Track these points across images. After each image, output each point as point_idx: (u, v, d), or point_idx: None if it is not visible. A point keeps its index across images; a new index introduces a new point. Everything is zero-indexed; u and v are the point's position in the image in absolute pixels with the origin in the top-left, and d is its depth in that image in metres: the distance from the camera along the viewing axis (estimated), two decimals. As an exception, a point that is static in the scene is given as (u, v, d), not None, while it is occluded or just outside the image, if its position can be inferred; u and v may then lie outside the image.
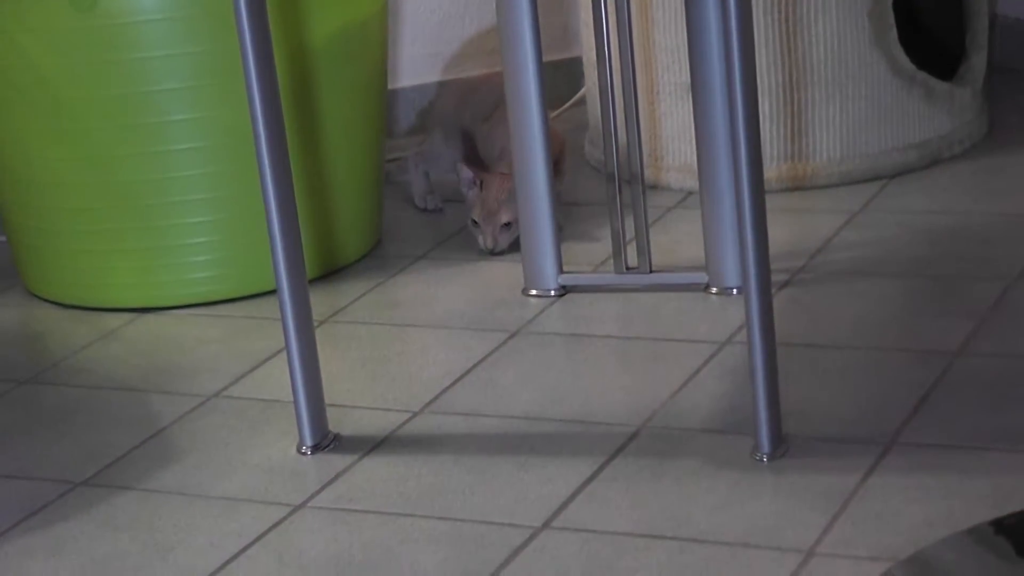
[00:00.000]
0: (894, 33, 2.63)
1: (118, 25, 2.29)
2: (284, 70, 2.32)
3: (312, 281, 2.40)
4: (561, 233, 2.46)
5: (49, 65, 2.32)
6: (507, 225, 2.47)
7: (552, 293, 2.34)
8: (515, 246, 2.45)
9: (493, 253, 2.48)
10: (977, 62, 2.76)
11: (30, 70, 2.33)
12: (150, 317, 2.41)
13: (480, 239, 2.49)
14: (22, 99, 2.36)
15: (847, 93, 2.62)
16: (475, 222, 2.49)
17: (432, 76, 3.10)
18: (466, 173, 2.51)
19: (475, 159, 2.64)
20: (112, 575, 1.75)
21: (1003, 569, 1.60)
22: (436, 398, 2.07)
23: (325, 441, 1.97)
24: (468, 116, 2.68)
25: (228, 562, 1.75)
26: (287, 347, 1.93)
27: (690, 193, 2.65)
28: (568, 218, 2.57)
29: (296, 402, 1.95)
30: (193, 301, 2.42)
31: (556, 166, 2.42)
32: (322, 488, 1.88)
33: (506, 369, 2.13)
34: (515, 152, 2.32)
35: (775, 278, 2.22)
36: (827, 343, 2.10)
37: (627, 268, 2.33)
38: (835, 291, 2.26)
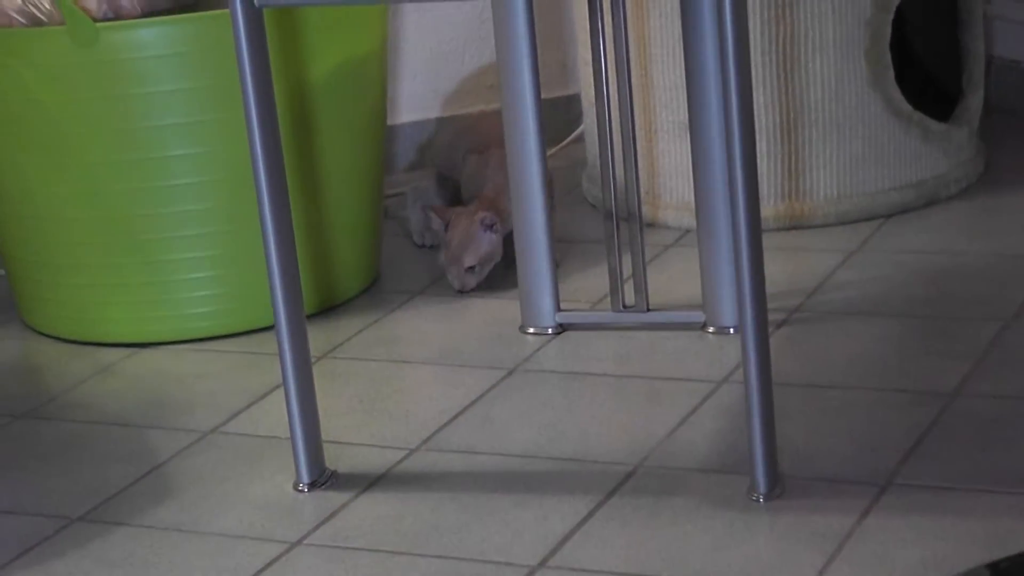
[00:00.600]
0: (891, 73, 2.64)
1: (119, 60, 2.30)
2: (284, 106, 2.32)
3: (309, 317, 2.40)
4: (557, 269, 2.46)
5: (50, 99, 2.33)
6: (471, 269, 2.49)
7: (549, 331, 2.35)
8: (512, 282, 2.45)
9: (463, 293, 2.50)
10: (973, 103, 2.77)
11: (31, 104, 2.34)
12: (148, 352, 2.41)
13: (449, 279, 2.51)
14: (23, 133, 2.37)
15: (844, 133, 2.63)
16: (446, 262, 2.52)
17: (431, 112, 3.11)
18: (435, 222, 2.53)
19: (458, 198, 2.65)
20: (108, 611, 1.75)
21: (999, 611, 1.60)
22: (433, 435, 2.07)
23: (322, 478, 1.97)
24: (461, 153, 2.69)
25: (224, 599, 1.75)
26: (284, 383, 1.93)
27: (687, 231, 2.66)
28: (565, 255, 2.58)
29: (293, 438, 1.95)
30: (191, 336, 2.43)
31: None
32: (318, 525, 1.88)
33: (503, 407, 2.13)
34: (513, 189, 2.32)
35: (772, 317, 2.23)
36: (824, 383, 2.11)
37: (624, 306, 2.34)
38: (832, 331, 2.26)
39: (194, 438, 2.12)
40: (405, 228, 2.76)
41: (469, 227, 2.48)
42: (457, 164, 2.68)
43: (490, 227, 2.49)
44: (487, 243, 2.49)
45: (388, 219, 2.80)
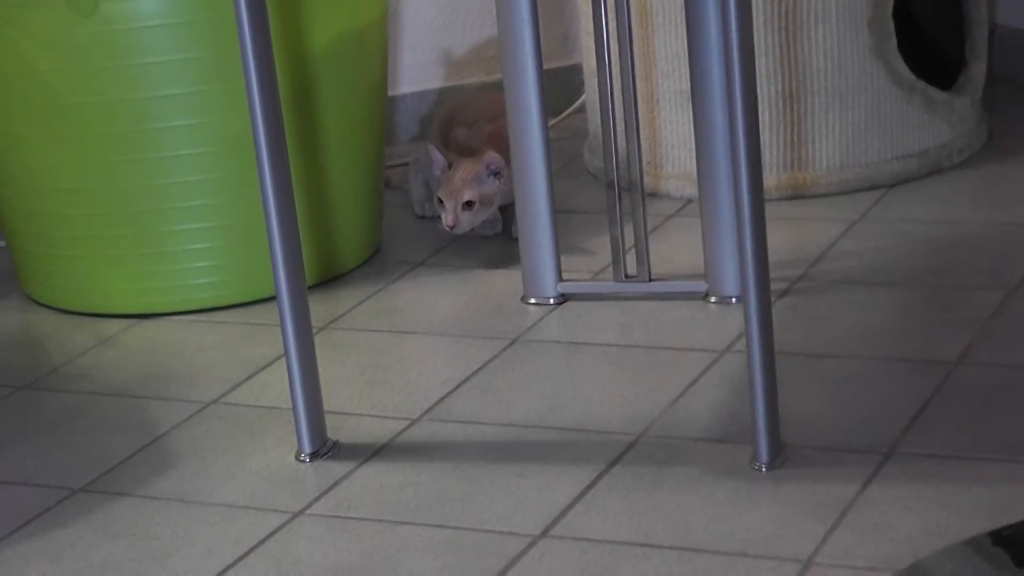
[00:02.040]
0: (894, 42, 2.63)
1: (118, 31, 2.29)
2: (284, 76, 2.32)
3: (311, 288, 2.40)
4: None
5: (49, 70, 2.32)
6: (469, 204, 2.44)
7: (551, 301, 2.34)
8: (515, 259, 2.44)
9: (455, 232, 2.45)
10: (976, 72, 2.76)
11: (30, 75, 2.33)
12: (148, 323, 2.41)
13: (443, 217, 2.46)
14: (22, 104, 2.36)
15: (847, 102, 2.62)
16: (440, 200, 2.47)
17: (432, 83, 3.10)
18: (437, 156, 2.49)
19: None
20: (110, 582, 1.75)
21: (1001, 579, 1.60)
22: (435, 406, 2.07)
23: (324, 448, 1.97)
24: (450, 128, 2.69)
25: (226, 570, 1.75)
26: (286, 354, 1.93)
27: (689, 201, 2.65)
28: (566, 226, 2.56)
29: (295, 409, 1.95)
30: (191, 307, 2.42)
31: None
32: (320, 496, 1.88)
33: (505, 377, 2.13)
34: (514, 160, 2.32)
35: (774, 287, 2.22)
36: (826, 352, 2.10)
37: (626, 276, 2.33)
38: (834, 300, 2.26)
39: (195, 409, 2.12)
40: (408, 199, 2.75)
41: (475, 167, 2.46)
42: (449, 141, 2.67)
43: (496, 173, 2.46)
44: (490, 185, 2.46)
45: (391, 190, 2.79)
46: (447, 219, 2.45)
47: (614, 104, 2.28)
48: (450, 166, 2.49)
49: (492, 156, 2.46)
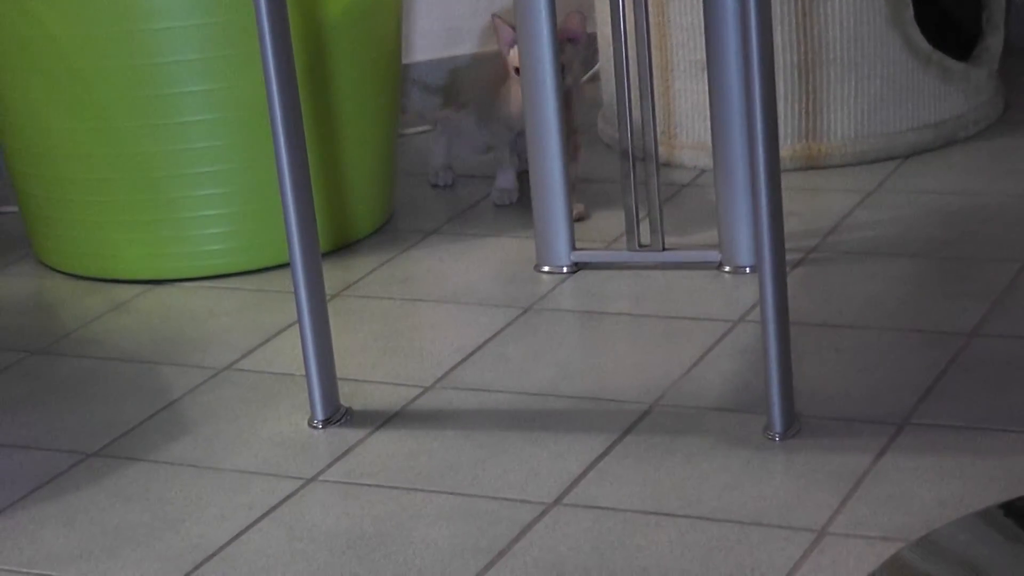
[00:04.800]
0: (910, 12, 2.62)
1: (133, -4, 2.28)
2: (298, 43, 2.31)
3: (324, 255, 2.39)
4: (584, 220, 2.46)
5: (64, 35, 2.32)
6: (572, 41, 2.37)
7: (564, 270, 2.34)
8: (528, 222, 2.44)
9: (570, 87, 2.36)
10: (993, 43, 2.75)
11: (45, 40, 2.33)
12: (162, 289, 2.41)
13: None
14: (36, 69, 2.36)
15: (862, 72, 2.61)
16: (518, 71, 2.38)
17: (446, 51, 3.09)
18: (504, 30, 2.43)
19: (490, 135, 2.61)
20: (123, 546, 1.75)
21: (1014, 551, 1.59)
22: (448, 373, 2.07)
23: (336, 415, 1.97)
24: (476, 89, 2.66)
25: (239, 535, 1.75)
26: (300, 321, 1.93)
27: (703, 171, 2.65)
28: (584, 198, 2.55)
29: (308, 376, 1.95)
30: (205, 274, 2.42)
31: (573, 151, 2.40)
32: (333, 462, 1.88)
33: (518, 345, 2.12)
34: (529, 129, 2.31)
35: (788, 257, 2.21)
36: (840, 323, 2.10)
37: (640, 245, 2.33)
38: (849, 271, 2.25)
39: (208, 375, 2.12)
40: (428, 159, 2.72)
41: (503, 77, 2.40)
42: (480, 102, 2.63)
43: (572, 39, 2.39)
44: (569, 52, 2.39)
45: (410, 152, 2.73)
46: (570, 74, 2.38)
47: (629, 73, 2.27)
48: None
49: (568, 25, 2.39)
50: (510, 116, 2.51)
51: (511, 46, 2.45)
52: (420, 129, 2.95)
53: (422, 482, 1.82)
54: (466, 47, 3.08)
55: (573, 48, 2.42)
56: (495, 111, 2.56)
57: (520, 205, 2.57)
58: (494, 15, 2.47)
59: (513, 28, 2.41)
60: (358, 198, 2.50)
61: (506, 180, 2.58)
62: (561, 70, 2.35)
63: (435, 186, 2.70)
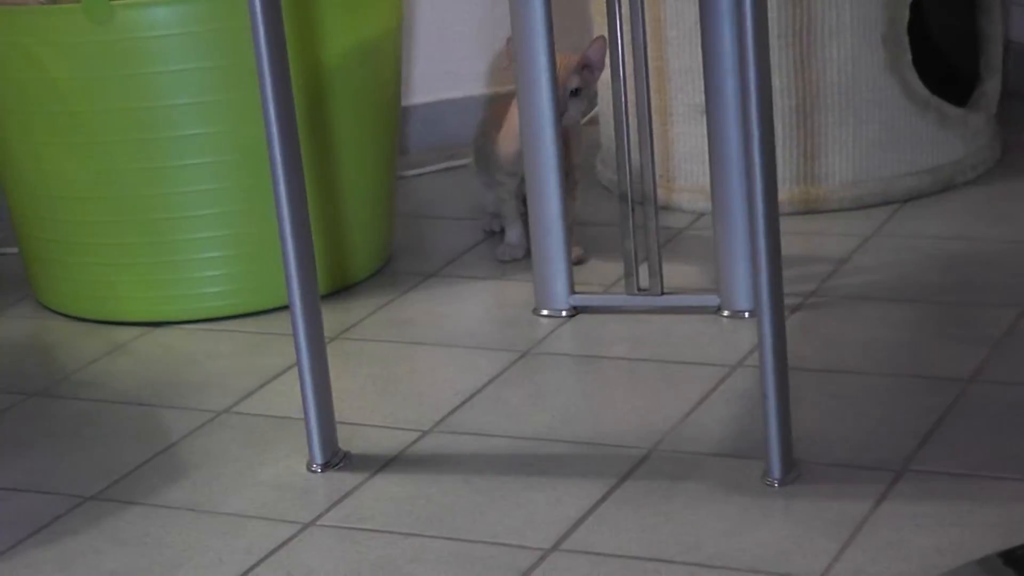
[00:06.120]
0: (908, 57, 2.63)
1: (134, 39, 2.29)
2: (298, 86, 2.32)
3: (322, 297, 2.39)
4: (582, 263, 2.45)
5: (64, 78, 2.32)
6: (576, 92, 2.37)
7: (563, 313, 2.34)
8: (526, 265, 2.44)
9: (564, 123, 2.33)
10: (991, 87, 2.76)
11: (45, 82, 2.34)
12: (160, 331, 2.41)
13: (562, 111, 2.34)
14: (36, 111, 2.37)
15: (860, 117, 2.61)
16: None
17: (445, 94, 3.10)
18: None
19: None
20: (120, 591, 1.75)
21: (1014, 599, 1.59)
22: (446, 417, 2.06)
23: (335, 459, 1.97)
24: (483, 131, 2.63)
25: (236, 579, 1.75)
26: (299, 364, 1.93)
27: (701, 215, 2.65)
28: (582, 241, 2.55)
29: (307, 419, 1.95)
30: (203, 316, 2.42)
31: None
32: (331, 506, 1.87)
33: (516, 389, 2.12)
34: (528, 172, 2.32)
35: (786, 302, 2.22)
36: (839, 368, 2.10)
37: (638, 289, 2.33)
38: (847, 315, 2.25)
39: (207, 418, 2.12)
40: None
41: (574, 56, 2.37)
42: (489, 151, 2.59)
43: (588, 66, 2.37)
44: (587, 76, 2.38)
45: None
46: (572, 112, 2.37)
47: (628, 117, 2.28)
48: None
49: (596, 45, 2.37)
50: (508, 156, 2.48)
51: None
52: (419, 171, 2.96)
53: (420, 527, 1.82)
54: (465, 90, 3.09)
55: (590, 74, 2.41)
56: (493, 159, 2.54)
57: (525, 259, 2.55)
58: (508, 39, 2.37)
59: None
60: (357, 241, 2.50)
61: (513, 235, 2.55)
62: (576, 92, 2.36)
63: (489, 232, 2.65)
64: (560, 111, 2.31)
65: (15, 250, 2.68)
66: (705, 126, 2.27)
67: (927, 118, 2.66)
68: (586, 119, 2.94)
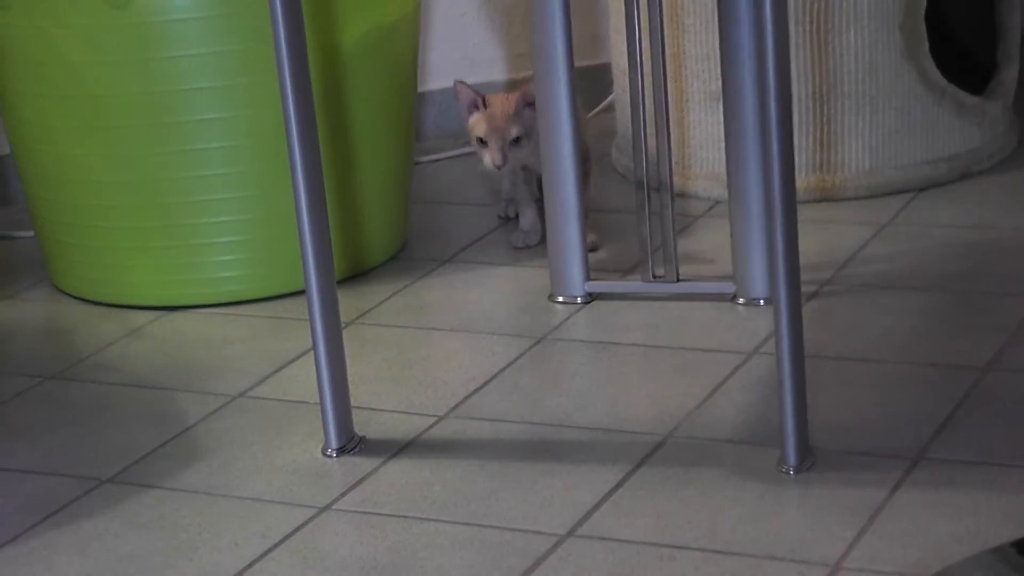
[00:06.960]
0: (925, 46, 2.62)
1: (152, 23, 2.29)
2: (316, 71, 2.32)
3: (338, 283, 2.39)
4: (597, 251, 2.45)
5: (82, 62, 2.33)
6: (517, 140, 2.39)
7: (578, 300, 2.34)
8: (541, 251, 2.44)
9: (503, 170, 2.40)
10: (1008, 76, 2.75)
11: (64, 66, 2.34)
12: (176, 315, 2.41)
13: (487, 158, 2.39)
14: (55, 95, 2.37)
15: (877, 105, 2.61)
16: (481, 140, 2.40)
17: (462, 79, 3.10)
18: (465, 94, 2.42)
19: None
20: (136, 573, 1.75)
21: (1029, 588, 1.59)
22: (462, 403, 2.07)
23: (350, 444, 1.97)
24: None
25: (252, 563, 1.75)
26: (315, 348, 1.93)
27: (717, 202, 2.65)
28: (596, 228, 2.54)
29: (322, 404, 1.95)
30: (219, 300, 2.43)
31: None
32: (347, 491, 1.88)
33: (532, 375, 2.13)
34: (544, 159, 2.32)
35: (803, 289, 2.22)
36: (855, 356, 2.10)
37: (654, 276, 2.33)
38: (863, 304, 2.25)
39: (222, 402, 2.12)
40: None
41: (512, 99, 2.40)
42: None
43: (531, 104, 2.38)
44: (529, 117, 2.40)
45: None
46: (494, 157, 2.38)
47: (644, 104, 2.28)
48: (482, 100, 2.41)
49: (526, 89, 2.39)
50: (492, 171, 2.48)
51: (470, 111, 2.44)
52: (435, 157, 2.96)
53: (435, 511, 1.82)
54: (482, 75, 3.09)
55: (532, 112, 2.40)
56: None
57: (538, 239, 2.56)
58: (456, 81, 2.45)
59: (477, 93, 2.42)
60: (373, 226, 2.50)
61: (527, 221, 2.54)
62: (517, 140, 2.39)
63: (504, 218, 2.66)
64: (499, 161, 2.37)
65: (31, 234, 2.68)
66: (721, 113, 2.27)
67: (944, 107, 2.65)
68: (592, 113, 2.94)
